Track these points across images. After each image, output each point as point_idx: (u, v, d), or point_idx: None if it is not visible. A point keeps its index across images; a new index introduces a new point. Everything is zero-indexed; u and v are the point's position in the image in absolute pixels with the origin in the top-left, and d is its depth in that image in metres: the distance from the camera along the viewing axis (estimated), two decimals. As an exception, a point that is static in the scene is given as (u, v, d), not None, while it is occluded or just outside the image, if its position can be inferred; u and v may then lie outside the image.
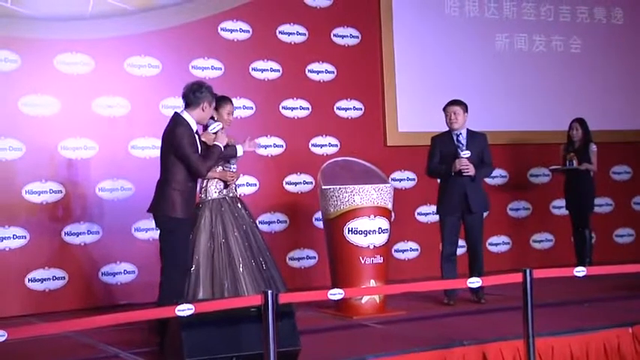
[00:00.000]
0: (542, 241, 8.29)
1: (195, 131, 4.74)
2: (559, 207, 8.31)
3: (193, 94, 4.70)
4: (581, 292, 5.99)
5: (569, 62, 8.41)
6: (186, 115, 4.71)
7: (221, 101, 5.34)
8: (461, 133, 6.04)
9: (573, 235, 7.54)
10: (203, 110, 4.73)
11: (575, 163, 7.28)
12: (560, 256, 7.94)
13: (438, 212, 6.18)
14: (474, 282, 4.26)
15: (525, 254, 8.09)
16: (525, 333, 4.05)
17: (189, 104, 4.73)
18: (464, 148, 5.95)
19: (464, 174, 5.91)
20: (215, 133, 4.91)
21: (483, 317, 5.47)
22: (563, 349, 4.61)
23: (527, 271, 4.06)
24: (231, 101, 5.42)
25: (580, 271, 4.31)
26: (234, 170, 5.37)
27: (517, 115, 8.10)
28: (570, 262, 7.24)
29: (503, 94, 8.05)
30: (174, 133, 4.62)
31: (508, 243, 8.12)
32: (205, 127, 5.10)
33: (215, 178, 5.29)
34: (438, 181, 6.33)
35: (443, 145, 6.09)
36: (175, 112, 4.79)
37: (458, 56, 7.92)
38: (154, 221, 4.81)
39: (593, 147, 7.35)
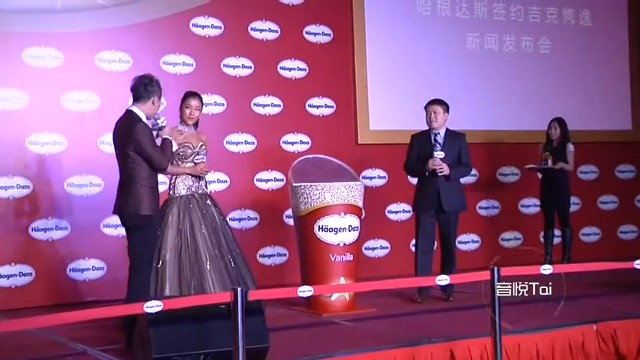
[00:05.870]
0: (510, 239, 8.37)
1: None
2: (528, 206, 8.40)
3: (145, 87, 4.64)
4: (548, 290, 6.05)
5: (538, 63, 8.49)
6: (137, 110, 4.66)
7: (185, 97, 5.33)
8: (439, 133, 6.07)
9: (544, 233, 7.62)
10: (153, 104, 4.68)
11: (550, 162, 7.35)
12: (528, 254, 8.02)
13: (413, 209, 6.25)
14: (443, 279, 4.30)
15: (494, 252, 8.15)
16: (493, 330, 4.10)
17: (139, 98, 4.66)
18: (439, 148, 5.99)
19: (438, 174, 5.95)
20: (162, 127, 4.81)
21: (452, 315, 5.51)
22: (530, 346, 4.66)
23: (495, 269, 4.10)
24: (194, 95, 5.35)
25: (546, 269, 4.36)
26: (204, 161, 5.33)
27: (488, 114, 8.16)
28: (539, 260, 7.31)
29: (474, 93, 8.10)
30: (135, 130, 4.56)
31: (477, 241, 8.18)
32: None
33: (186, 173, 5.26)
34: (409, 179, 6.37)
35: (420, 144, 6.12)
36: (128, 109, 4.71)
37: (429, 55, 7.96)
38: (120, 220, 4.78)
39: (571, 147, 7.43)
